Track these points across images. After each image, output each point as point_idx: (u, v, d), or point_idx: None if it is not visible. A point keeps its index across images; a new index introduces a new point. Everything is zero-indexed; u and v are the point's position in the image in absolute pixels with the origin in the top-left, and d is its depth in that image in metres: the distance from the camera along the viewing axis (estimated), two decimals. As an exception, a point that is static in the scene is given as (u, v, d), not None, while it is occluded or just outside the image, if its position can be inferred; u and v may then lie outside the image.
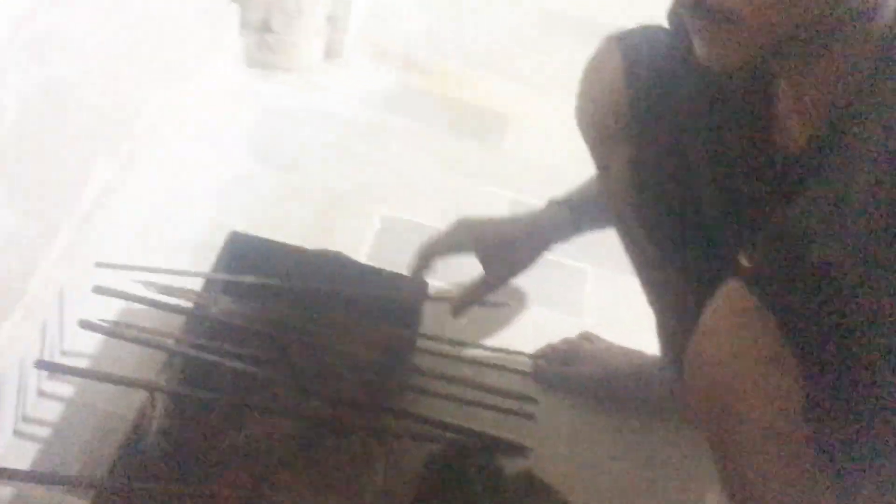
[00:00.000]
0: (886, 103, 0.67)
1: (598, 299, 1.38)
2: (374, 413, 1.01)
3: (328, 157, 1.50)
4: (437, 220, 1.43)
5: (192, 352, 0.99)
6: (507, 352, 1.18)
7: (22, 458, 0.97)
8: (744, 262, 0.81)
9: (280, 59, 1.63)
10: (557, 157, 1.54)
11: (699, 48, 0.71)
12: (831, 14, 0.66)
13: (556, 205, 1.14)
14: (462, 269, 1.20)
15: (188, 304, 1.04)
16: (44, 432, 1.00)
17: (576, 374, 1.21)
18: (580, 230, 1.14)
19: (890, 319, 0.63)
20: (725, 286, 0.72)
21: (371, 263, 1.26)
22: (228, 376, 1.00)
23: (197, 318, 1.03)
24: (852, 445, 0.67)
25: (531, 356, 1.21)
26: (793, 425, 0.67)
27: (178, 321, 1.03)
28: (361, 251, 1.34)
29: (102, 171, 1.11)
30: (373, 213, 1.42)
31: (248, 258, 1.11)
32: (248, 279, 1.08)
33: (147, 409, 0.94)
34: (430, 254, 1.15)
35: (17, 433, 0.98)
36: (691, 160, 0.89)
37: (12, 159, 0.87)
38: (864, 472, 0.68)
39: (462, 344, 1.16)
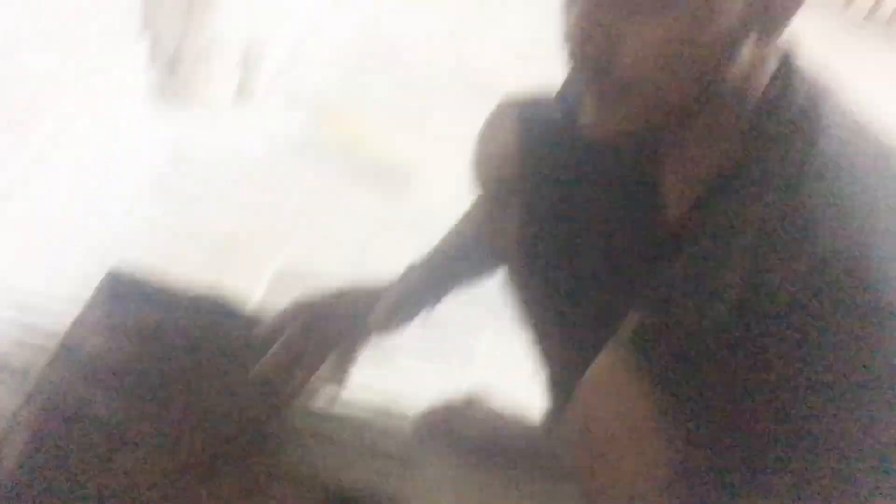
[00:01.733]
0: (758, 171, 0.71)
1: (491, 353, 1.40)
2: (248, 462, 0.99)
3: (229, 198, 1.48)
4: (334, 271, 1.43)
5: (59, 388, 0.95)
6: (390, 410, 1.17)
7: None
8: (631, 322, 0.83)
9: (188, 96, 1.61)
10: (458, 213, 1.56)
11: (587, 116, 0.74)
12: (711, 87, 0.70)
13: (415, 269, 1.11)
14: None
15: (58, 338, 1.00)
16: None
17: (459, 436, 1.21)
18: (446, 289, 1.14)
19: (765, 382, 0.65)
20: (607, 347, 0.73)
21: (261, 310, 1.24)
22: (96, 413, 0.96)
23: (67, 353, 0.99)
24: None
25: (417, 414, 1.20)
26: (658, 492, 0.68)
27: (46, 355, 0.99)
28: (253, 297, 1.32)
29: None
30: (268, 259, 1.40)
31: (128, 295, 1.08)
32: (125, 317, 1.05)
33: (3, 442, 0.90)
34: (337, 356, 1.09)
35: None
36: (579, 222, 0.91)
37: None
38: None
39: (344, 398, 1.14)
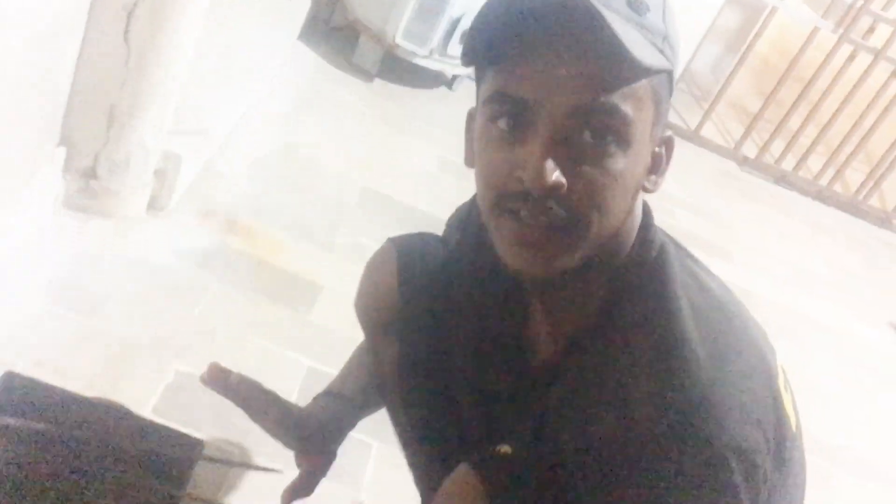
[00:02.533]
0: (616, 324, 0.79)
1: (379, 473, 1.42)
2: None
3: (130, 306, 1.51)
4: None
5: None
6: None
7: None
8: (503, 450, 0.89)
9: (101, 205, 1.65)
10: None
11: (510, 252, 0.76)
12: (608, 243, 0.76)
13: (323, 398, 1.15)
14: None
15: (-57, 443, 1.00)
16: None
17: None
18: (356, 416, 1.17)
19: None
20: (458, 468, 0.80)
21: (156, 417, 1.26)
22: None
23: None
24: None
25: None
26: None
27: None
28: (149, 403, 1.33)
29: None
30: (167, 366, 1.42)
31: (19, 399, 1.09)
32: (13, 421, 1.06)
33: None
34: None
35: None
36: (453, 361, 0.98)
37: None
38: None
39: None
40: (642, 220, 0.82)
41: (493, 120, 0.74)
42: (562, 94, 0.69)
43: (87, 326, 1.43)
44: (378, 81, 2.70)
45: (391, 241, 1.06)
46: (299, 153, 2.24)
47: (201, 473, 1.16)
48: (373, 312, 1.05)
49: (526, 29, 0.70)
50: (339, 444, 1.15)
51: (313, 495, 1.30)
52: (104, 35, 1.47)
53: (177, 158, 1.74)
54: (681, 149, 3.56)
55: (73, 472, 1.05)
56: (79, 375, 1.29)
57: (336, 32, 2.89)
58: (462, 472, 0.81)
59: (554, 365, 0.84)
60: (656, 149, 0.77)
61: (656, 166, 0.78)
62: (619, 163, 0.72)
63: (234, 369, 1.45)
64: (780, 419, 0.77)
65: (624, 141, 0.71)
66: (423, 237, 1.05)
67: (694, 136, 3.64)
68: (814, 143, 3.57)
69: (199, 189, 1.88)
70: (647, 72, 0.70)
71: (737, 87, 3.69)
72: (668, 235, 0.86)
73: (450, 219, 1.05)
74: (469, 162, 0.82)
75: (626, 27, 0.69)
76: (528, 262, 0.75)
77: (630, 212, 0.77)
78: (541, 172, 0.70)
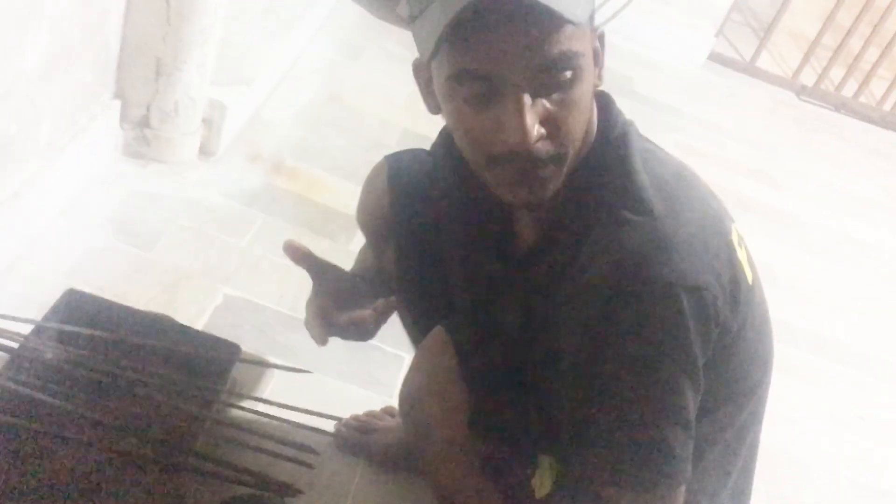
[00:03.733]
0: (583, 199, 0.90)
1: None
2: (176, 452, 1.14)
3: (184, 239, 1.67)
4: (275, 303, 1.61)
5: (13, 385, 1.12)
6: (312, 413, 1.32)
7: None
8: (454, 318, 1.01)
9: (156, 152, 1.81)
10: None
11: (507, 193, 0.87)
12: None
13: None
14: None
15: (14, 345, 1.17)
16: None
17: (372, 441, 1.36)
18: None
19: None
20: (431, 332, 0.92)
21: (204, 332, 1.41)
22: (44, 411, 1.12)
23: (22, 359, 1.16)
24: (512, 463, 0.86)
25: (334, 420, 1.35)
26: (463, 436, 0.86)
27: (3, 359, 1.16)
28: (200, 322, 1.49)
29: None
30: (216, 290, 1.58)
31: (81, 312, 1.25)
32: (75, 328, 1.22)
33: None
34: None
35: None
36: (444, 254, 1.09)
37: None
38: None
39: (270, 403, 1.30)
40: (601, 104, 0.91)
41: (461, 93, 0.83)
42: (518, 62, 0.79)
43: (144, 258, 1.59)
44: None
45: (385, 157, 1.17)
46: (342, 100, 2.36)
47: (239, 374, 1.31)
48: (370, 223, 1.17)
49: (479, 8, 0.78)
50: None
51: (352, 402, 1.45)
52: (145, -8, 1.61)
53: (222, 107, 1.88)
54: (735, 81, 3.56)
55: (126, 371, 1.21)
56: (137, 300, 1.45)
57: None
58: (435, 330, 0.93)
59: (535, 247, 0.95)
60: (594, 47, 0.86)
61: (597, 60, 0.87)
62: (578, 90, 0.83)
63: (279, 293, 1.61)
64: (734, 269, 0.85)
65: (578, 73, 0.81)
66: (413, 153, 1.16)
67: (749, 68, 3.61)
68: (874, 67, 3.48)
69: (246, 135, 2.03)
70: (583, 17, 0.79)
71: (795, 15, 3.63)
72: (631, 122, 0.95)
73: (440, 132, 1.15)
74: (433, 109, 0.92)
75: None
76: (523, 199, 0.87)
77: (590, 121, 0.87)
78: (522, 132, 0.80)
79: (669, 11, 3.43)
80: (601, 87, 0.90)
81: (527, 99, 0.80)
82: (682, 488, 0.82)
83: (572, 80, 0.81)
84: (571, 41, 0.80)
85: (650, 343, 0.80)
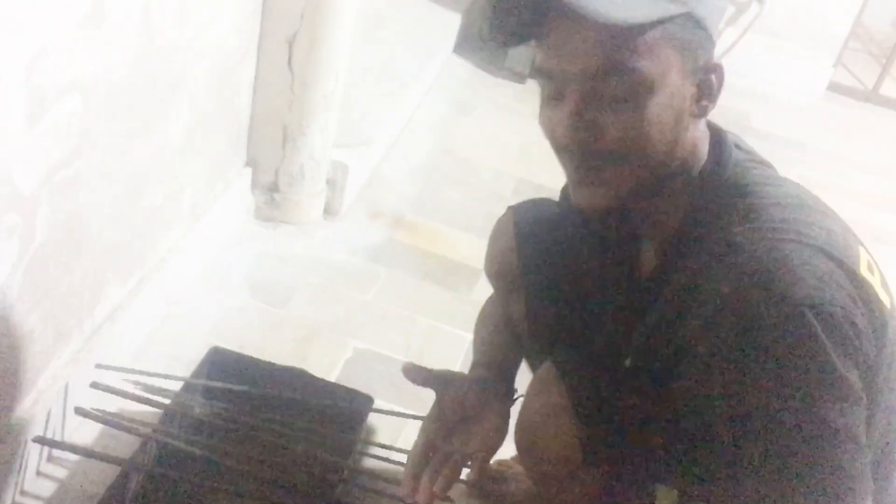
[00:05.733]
0: (699, 238, 0.89)
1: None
2: (319, 502, 1.18)
3: (314, 296, 1.74)
4: (402, 354, 1.64)
5: (168, 440, 1.18)
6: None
7: (17, 525, 1.15)
8: (626, 363, 1.02)
9: (284, 214, 1.91)
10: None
11: (574, 193, 0.92)
12: (668, 163, 0.88)
13: (481, 370, 1.19)
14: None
15: (167, 402, 1.25)
16: (38, 505, 1.18)
17: (507, 491, 1.37)
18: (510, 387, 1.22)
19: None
20: (541, 367, 0.94)
21: (337, 385, 1.46)
22: (196, 462, 1.18)
23: (174, 414, 1.23)
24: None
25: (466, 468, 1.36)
26: (579, 470, 0.87)
27: (157, 415, 1.24)
28: (332, 375, 1.54)
29: (113, 293, 1.36)
30: (346, 344, 1.63)
31: (224, 368, 1.32)
32: (221, 384, 1.29)
33: (120, 484, 1.13)
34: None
35: (14, 504, 1.17)
36: (574, 298, 1.10)
37: (39, 272, 1.11)
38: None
39: (401, 451, 1.33)
40: (714, 139, 0.91)
41: (543, 90, 0.89)
42: (574, 64, 0.83)
43: (278, 314, 1.67)
44: (531, 82, 2.84)
45: (510, 208, 1.19)
46: (457, 154, 2.42)
47: (374, 424, 1.35)
48: (498, 275, 1.19)
49: (541, 10, 0.83)
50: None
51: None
52: (272, 64, 1.72)
53: (344, 167, 1.97)
54: (858, 110, 3.43)
55: (268, 423, 1.26)
56: (273, 355, 1.51)
57: (488, 43, 3.06)
58: (545, 366, 0.96)
59: (655, 275, 0.96)
60: (703, 77, 0.86)
61: (706, 92, 0.87)
62: (641, 108, 0.83)
63: (406, 344, 1.65)
64: (864, 291, 0.82)
65: (639, 90, 0.82)
66: (537, 202, 1.18)
67: (872, 96, 3.48)
68: None
69: (367, 193, 2.10)
70: (642, 28, 0.80)
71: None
72: (750, 150, 0.94)
73: None
74: None
75: None
76: (578, 198, 0.90)
77: (675, 142, 0.86)
78: (566, 130, 0.85)
79: (784, 44, 3.36)
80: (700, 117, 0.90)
81: (578, 100, 0.84)
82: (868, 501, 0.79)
83: (633, 94, 0.82)
84: (633, 56, 0.81)
85: (788, 368, 0.78)
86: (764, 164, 0.94)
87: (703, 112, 0.88)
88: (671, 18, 0.81)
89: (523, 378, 1.21)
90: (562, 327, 1.13)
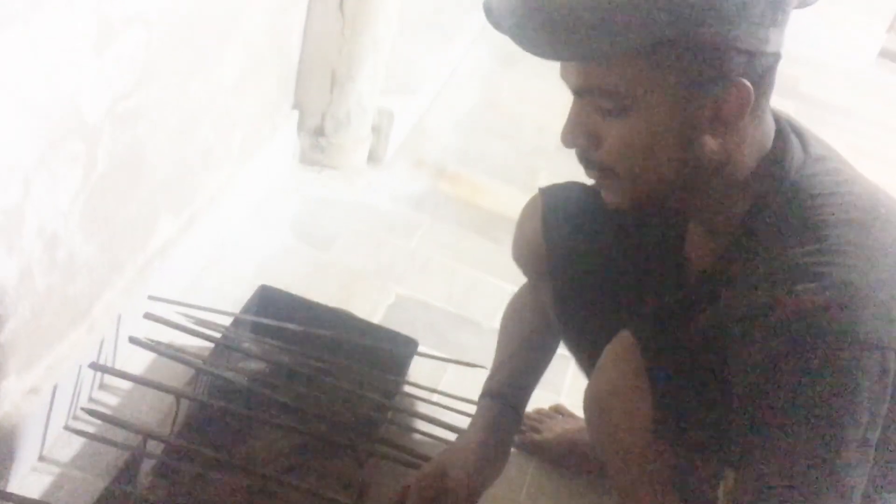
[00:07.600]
0: (760, 237, 0.86)
1: (576, 382, 1.56)
2: (361, 438, 1.20)
3: (357, 242, 1.75)
4: (443, 302, 1.66)
5: (218, 372, 1.21)
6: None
7: (69, 447, 1.19)
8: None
9: (329, 158, 1.91)
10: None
11: (602, 193, 0.92)
12: (690, 165, 0.85)
13: (489, 400, 1.17)
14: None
15: (218, 336, 1.27)
16: (90, 429, 1.21)
17: (542, 439, 1.38)
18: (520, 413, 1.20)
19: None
20: (617, 336, 0.93)
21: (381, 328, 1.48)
22: (244, 395, 1.21)
23: (224, 348, 1.26)
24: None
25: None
26: (648, 443, 0.87)
27: (208, 348, 1.26)
28: (374, 319, 1.56)
29: (166, 227, 1.38)
30: (388, 290, 1.65)
31: (272, 306, 1.34)
32: (270, 321, 1.31)
33: (171, 414, 1.16)
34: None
35: (68, 427, 1.20)
36: (607, 282, 1.08)
37: (98, 202, 1.13)
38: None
39: (443, 394, 1.35)
40: (774, 148, 0.87)
41: None
42: (568, 80, 0.86)
43: (322, 258, 1.68)
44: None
45: (540, 191, 1.16)
46: (501, 106, 2.40)
47: (417, 367, 1.37)
48: (525, 260, 1.18)
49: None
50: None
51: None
52: (324, 7, 1.71)
53: (390, 115, 1.97)
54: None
55: (314, 361, 1.28)
56: (317, 297, 1.52)
57: None
58: (622, 334, 0.93)
59: (708, 275, 0.93)
60: (713, 97, 0.81)
61: (717, 112, 0.82)
62: (625, 126, 0.83)
63: (448, 293, 1.66)
64: None
65: (622, 108, 0.82)
66: (567, 185, 1.14)
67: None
68: None
69: (411, 142, 2.10)
70: (615, 55, 0.79)
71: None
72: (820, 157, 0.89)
73: None
74: None
75: (594, 14, 0.77)
76: (603, 196, 0.92)
77: (680, 160, 0.84)
78: (563, 135, 0.88)
79: (836, 9, 3.27)
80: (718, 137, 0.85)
81: (579, 109, 0.86)
82: None
83: (619, 111, 0.83)
84: (607, 78, 0.81)
85: (819, 395, 0.76)
86: (838, 166, 0.89)
87: (723, 129, 0.83)
88: (638, 48, 0.78)
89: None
90: (592, 319, 1.10)
